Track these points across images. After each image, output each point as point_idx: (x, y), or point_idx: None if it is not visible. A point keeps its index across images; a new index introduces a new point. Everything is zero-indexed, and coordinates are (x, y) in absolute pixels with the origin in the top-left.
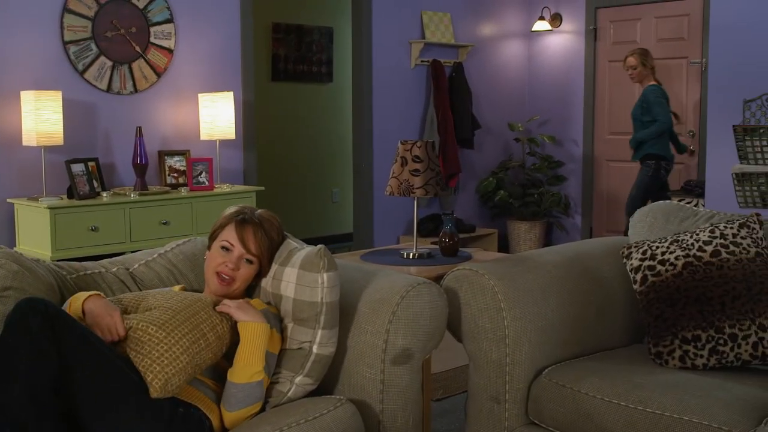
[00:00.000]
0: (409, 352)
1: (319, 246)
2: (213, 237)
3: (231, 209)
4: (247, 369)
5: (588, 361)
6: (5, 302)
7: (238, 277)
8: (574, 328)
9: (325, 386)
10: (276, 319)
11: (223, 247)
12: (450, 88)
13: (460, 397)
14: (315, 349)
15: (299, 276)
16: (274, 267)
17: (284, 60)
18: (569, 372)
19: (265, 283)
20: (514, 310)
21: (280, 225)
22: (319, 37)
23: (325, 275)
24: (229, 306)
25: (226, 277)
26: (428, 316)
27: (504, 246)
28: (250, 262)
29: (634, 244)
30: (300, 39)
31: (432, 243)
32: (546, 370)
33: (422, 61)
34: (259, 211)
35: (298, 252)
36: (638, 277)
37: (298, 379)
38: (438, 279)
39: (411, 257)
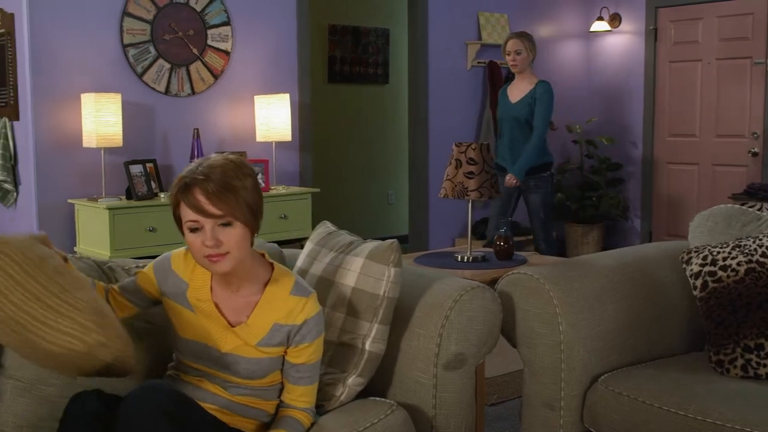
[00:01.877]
0: (462, 357)
1: (392, 240)
2: (178, 223)
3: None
4: None
5: (645, 369)
6: None
7: (229, 248)
8: (631, 335)
9: (375, 387)
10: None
11: (191, 230)
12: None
13: (514, 402)
14: (368, 345)
15: (365, 266)
16: (330, 253)
17: (340, 62)
18: (626, 379)
19: (316, 267)
20: (570, 316)
21: (240, 164)
22: (376, 38)
23: (392, 269)
24: None
25: (216, 258)
26: (482, 321)
27: (561, 249)
28: (227, 224)
29: (694, 249)
30: (356, 40)
31: (485, 246)
32: (602, 377)
33: (478, 63)
34: (211, 158)
35: (362, 243)
36: (698, 283)
37: (350, 380)
38: (492, 283)
39: (465, 260)
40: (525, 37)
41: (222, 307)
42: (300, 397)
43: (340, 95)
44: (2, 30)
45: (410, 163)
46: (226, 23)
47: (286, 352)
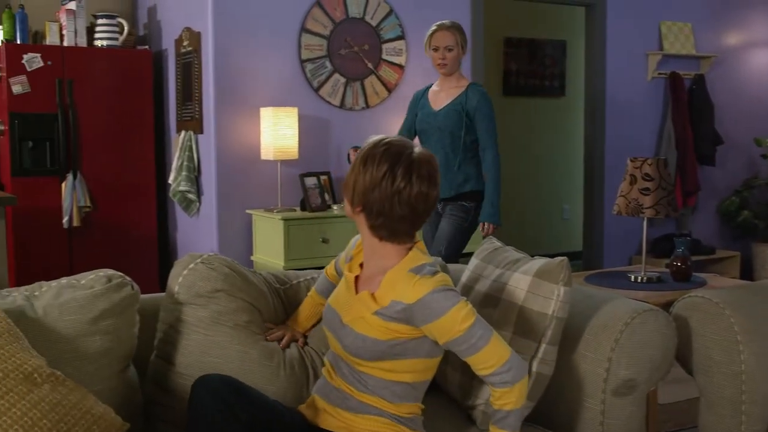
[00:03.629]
0: (633, 383)
1: (562, 258)
2: None
3: None
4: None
5: None
6: (217, 302)
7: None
8: None
9: (540, 410)
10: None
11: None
12: (690, 101)
13: None
14: (535, 366)
15: (533, 284)
16: (495, 270)
17: (516, 74)
18: None
19: (482, 284)
20: (753, 344)
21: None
22: (552, 50)
23: (562, 288)
24: None
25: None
26: (654, 346)
27: (747, 271)
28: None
29: None
30: (532, 53)
31: (666, 266)
32: None
33: (659, 74)
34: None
35: (530, 260)
36: None
37: None
38: (667, 306)
39: (639, 281)
40: (457, 29)
41: (361, 280)
42: (478, 365)
43: (515, 108)
44: (190, 48)
45: (585, 178)
46: (401, 37)
47: (414, 340)
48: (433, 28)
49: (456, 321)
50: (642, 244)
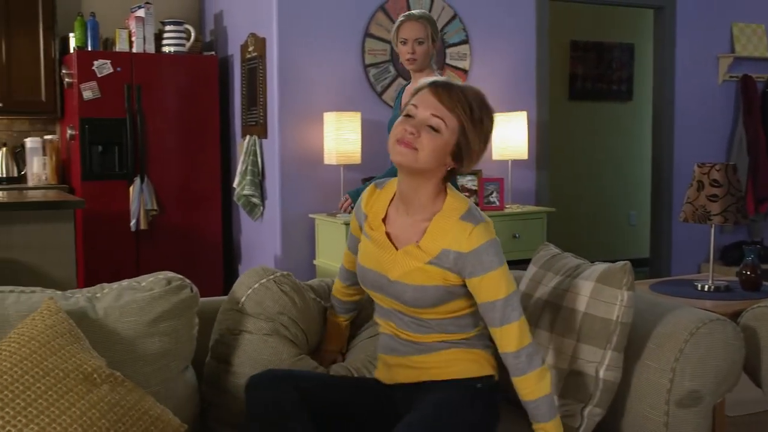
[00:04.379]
0: (698, 395)
1: (624, 262)
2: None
3: None
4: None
5: None
6: (278, 322)
7: (422, 147)
8: None
9: (604, 419)
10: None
11: (405, 115)
12: (762, 105)
13: None
14: (602, 373)
15: (595, 289)
16: (555, 277)
17: (582, 78)
18: None
19: (541, 291)
20: None
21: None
22: (620, 54)
23: (626, 293)
24: None
25: (404, 145)
26: (721, 357)
27: None
28: (435, 129)
29: None
30: (599, 56)
31: (736, 274)
32: None
33: (731, 77)
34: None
35: (590, 266)
36: None
37: (587, 411)
38: (735, 316)
39: (706, 290)
40: (429, 21)
41: (393, 235)
42: (503, 340)
43: (580, 112)
44: (255, 53)
45: (653, 184)
46: (465, 42)
47: (465, 284)
48: (401, 18)
49: (501, 282)
50: (709, 252)
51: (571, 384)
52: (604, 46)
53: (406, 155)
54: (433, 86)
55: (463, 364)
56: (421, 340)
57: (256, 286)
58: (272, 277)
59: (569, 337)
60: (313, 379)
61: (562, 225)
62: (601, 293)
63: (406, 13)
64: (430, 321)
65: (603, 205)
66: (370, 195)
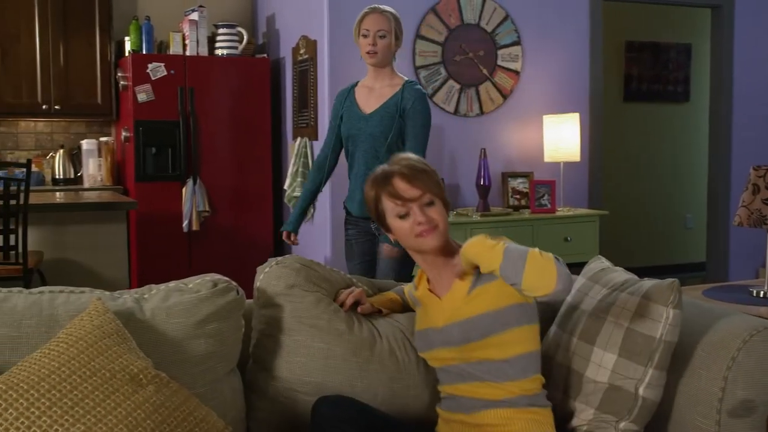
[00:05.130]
0: (751, 405)
1: (673, 279)
2: (381, 220)
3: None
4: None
5: None
6: (292, 299)
7: (437, 222)
8: None
9: (650, 427)
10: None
11: (399, 217)
12: None
13: None
14: (642, 390)
15: (641, 305)
16: (602, 290)
17: (637, 79)
18: None
19: (587, 303)
20: None
21: (418, 158)
22: (676, 54)
23: (672, 311)
24: None
25: (427, 232)
26: None
27: None
28: (430, 203)
29: None
30: (655, 57)
31: None
32: None
33: None
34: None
35: (638, 281)
36: None
37: (622, 425)
38: None
39: (761, 296)
40: (393, 16)
41: (437, 288)
42: (530, 289)
43: (636, 114)
44: (306, 56)
45: (709, 187)
46: (517, 43)
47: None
48: (365, 10)
49: (488, 244)
50: (766, 257)
51: (608, 398)
52: (660, 47)
53: (436, 237)
54: (400, 175)
55: (522, 423)
56: (476, 396)
57: (261, 276)
58: (273, 262)
59: (611, 351)
60: (379, 418)
61: (616, 228)
62: (647, 310)
63: (372, 5)
64: (482, 365)
65: (658, 208)
66: (417, 284)
